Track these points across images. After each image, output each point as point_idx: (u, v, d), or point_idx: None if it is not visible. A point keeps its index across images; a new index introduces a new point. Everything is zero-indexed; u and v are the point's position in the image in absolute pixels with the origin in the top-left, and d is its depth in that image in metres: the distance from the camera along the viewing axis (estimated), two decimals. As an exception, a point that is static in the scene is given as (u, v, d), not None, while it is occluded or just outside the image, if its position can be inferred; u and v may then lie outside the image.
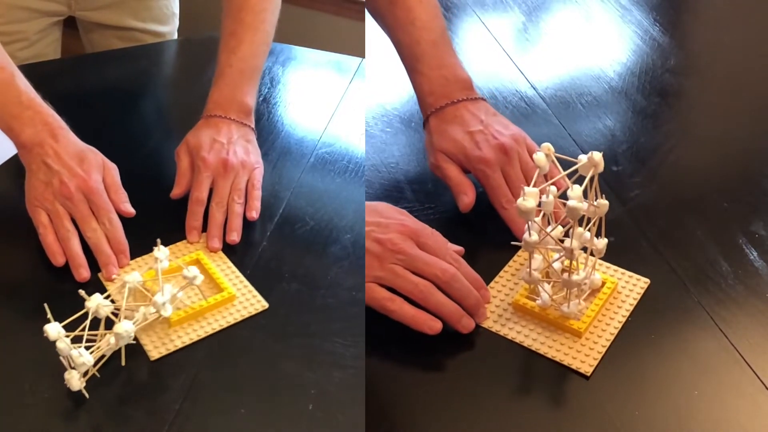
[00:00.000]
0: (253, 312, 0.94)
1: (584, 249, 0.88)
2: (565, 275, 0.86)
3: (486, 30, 1.48)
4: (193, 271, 0.90)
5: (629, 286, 0.93)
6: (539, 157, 0.85)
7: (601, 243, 0.88)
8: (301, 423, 0.82)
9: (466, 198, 1.02)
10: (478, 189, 1.03)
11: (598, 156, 0.82)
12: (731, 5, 1.59)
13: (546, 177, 0.87)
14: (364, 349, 0.89)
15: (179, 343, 0.90)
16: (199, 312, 0.93)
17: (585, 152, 1.12)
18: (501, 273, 0.96)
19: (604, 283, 0.92)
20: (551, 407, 0.82)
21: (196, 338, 0.91)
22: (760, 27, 1.50)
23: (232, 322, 0.93)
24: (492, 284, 0.94)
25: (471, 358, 0.87)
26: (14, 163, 1.14)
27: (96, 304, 0.85)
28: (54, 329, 0.81)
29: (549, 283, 0.90)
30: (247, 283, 0.98)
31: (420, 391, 0.84)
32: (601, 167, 0.83)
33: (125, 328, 0.84)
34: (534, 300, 0.90)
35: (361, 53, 1.47)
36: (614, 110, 1.25)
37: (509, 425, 0.80)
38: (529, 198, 0.81)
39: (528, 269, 0.88)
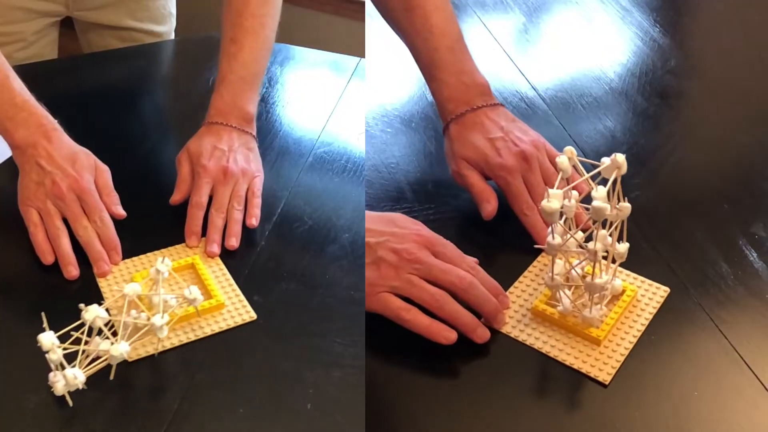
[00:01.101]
0: (240, 322, 0.93)
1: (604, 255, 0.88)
2: (588, 278, 0.85)
3: (486, 31, 1.47)
4: (194, 292, 0.88)
5: (649, 294, 0.92)
6: (562, 160, 0.85)
7: (623, 247, 0.87)
8: (300, 423, 0.82)
9: (489, 206, 1.01)
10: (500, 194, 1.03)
11: (621, 158, 0.82)
12: (731, 7, 1.59)
13: (567, 181, 0.87)
14: (363, 348, 0.88)
15: (159, 347, 0.89)
16: (185, 318, 0.92)
17: (585, 153, 1.14)
18: (521, 278, 0.95)
19: (624, 291, 0.91)
20: (550, 408, 0.81)
21: (177, 343, 0.90)
22: (760, 28, 1.50)
23: (218, 330, 0.92)
24: (511, 289, 0.94)
25: (471, 358, 0.87)
26: (10, 164, 1.14)
27: (93, 316, 0.82)
28: (48, 339, 0.79)
29: (570, 288, 0.89)
30: (239, 291, 0.97)
31: (420, 391, 0.83)
32: (624, 169, 0.82)
33: (121, 350, 0.82)
34: (554, 306, 0.90)
35: (359, 53, 1.47)
36: (614, 111, 1.25)
37: (508, 425, 0.80)
38: (553, 200, 0.81)
39: (550, 273, 0.88)
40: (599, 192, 0.81)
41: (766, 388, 0.82)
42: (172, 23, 1.64)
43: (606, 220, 0.84)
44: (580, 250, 0.85)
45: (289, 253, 1.04)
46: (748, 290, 0.93)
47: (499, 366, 0.86)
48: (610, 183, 0.82)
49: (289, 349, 0.90)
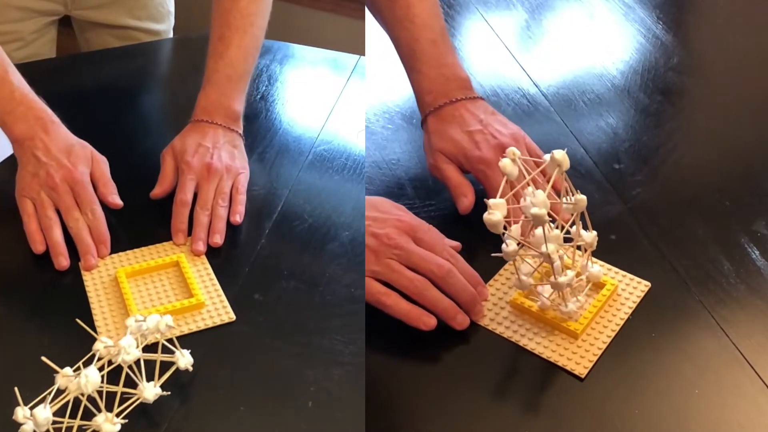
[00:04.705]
0: (219, 322, 0.92)
1: (579, 247, 0.88)
2: (552, 278, 0.85)
3: (489, 28, 1.47)
4: (186, 359, 0.85)
5: (629, 289, 0.92)
6: (505, 163, 0.83)
7: (590, 236, 0.87)
8: (300, 420, 0.82)
9: (466, 200, 1.01)
10: (477, 187, 1.02)
11: (559, 154, 0.81)
12: (734, 4, 1.58)
13: (516, 182, 0.86)
14: (363, 345, 0.88)
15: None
16: (162, 314, 0.91)
17: (587, 150, 1.14)
18: (500, 271, 0.95)
19: (604, 285, 0.91)
20: (550, 405, 0.81)
21: (153, 340, 0.87)
22: (763, 26, 1.49)
23: (194, 329, 0.92)
24: (491, 282, 0.94)
25: (472, 356, 0.86)
26: (11, 162, 1.14)
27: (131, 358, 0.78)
28: (43, 416, 0.74)
29: (543, 285, 0.89)
30: (221, 292, 0.96)
31: (419, 388, 0.83)
32: (565, 165, 0.82)
33: (154, 392, 0.80)
34: (532, 300, 0.90)
35: (358, 51, 1.47)
36: (617, 108, 1.24)
37: (509, 422, 0.80)
38: (494, 211, 0.80)
39: (517, 276, 0.88)
40: (537, 197, 0.79)
41: (767, 387, 0.81)
42: (171, 21, 1.64)
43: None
44: (536, 253, 0.84)
45: (289, 251, 1.04)
46: (750, 288, 0.92)
47: (493, 364, 0.86)
48: (551, 182, 0.82)
49: (289, 347, 0.90)
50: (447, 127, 1.05)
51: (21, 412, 0.74)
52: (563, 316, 0.88)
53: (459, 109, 1.06)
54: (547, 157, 0.82)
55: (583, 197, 0.84)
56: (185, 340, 0.89)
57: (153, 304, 0.95)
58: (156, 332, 0.82)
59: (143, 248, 1.02)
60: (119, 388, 0.79)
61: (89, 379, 0.75)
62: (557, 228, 0.85)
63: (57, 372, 0.77)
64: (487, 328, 0.89)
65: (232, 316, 0.93)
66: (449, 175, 1.03)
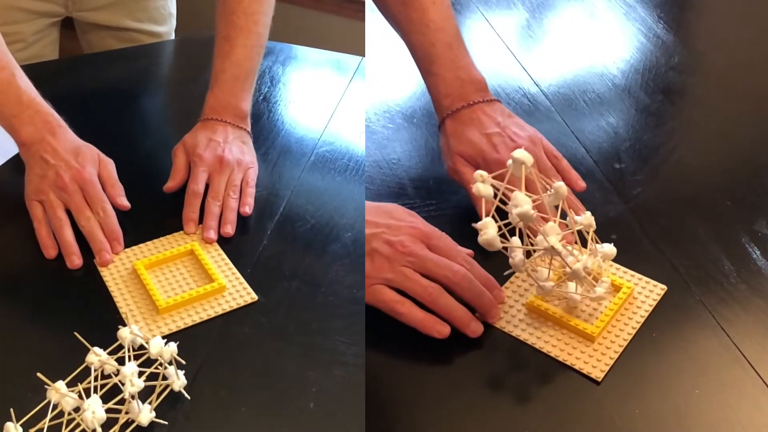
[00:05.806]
0: (242, 303, 0.95)
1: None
2: (567, 270, 0.85)
3: (490, 27, 1.47)
4: (181, 380, 0.83)
5: (645, 292, 0.92)
6: (479, 187, 0.84)
7: (586, 219, 0.87)
8: (301, 421, 0.82)
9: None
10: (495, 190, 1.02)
11: (519, 153, 0.83)
12: (735, 3, 1.58)
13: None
14: (364, 346, 0.88)
15: (166, 330, 0.91)
16: (188, 300, 0.94)
17: (588, 149, 1.14)
18: (517, 274, 0.94)
19: (620, 287, 0.91)
20: (551, 405, 0.81)
21: (183, 326, 0.92)
22: (764, 25, 1.49)
23: (221, 312, 0.94)
24: (507, 284, 0.94)
25: (474, 355, 0.87)
26: (14, 162, 1.14)
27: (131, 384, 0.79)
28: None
29: (564, 282, 0.89)
30: (239, 275, 0.99)
31: (421, 389, 0.83)
32: (529, 162, 0.83)
33: (150, 417, 0.80)
34: (548, 302, 0.89)
35: (360, 52, 1.47)
36: (617, 108, 1.24)
37: (509, 423, 0.80)
38: (486, 230, 0.81)
39: (536, 285, 0.88)
40: (517, 197, 0.81)
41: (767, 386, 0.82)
42: (172, 23, 1.64)
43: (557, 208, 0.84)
44: (543, 252, 0.84)
45: (291, 252, 1.04)
46: (751, 288, 0.92)
47: (498, 364, 0.86)
48: (523, 180, 0.83)
49: (291, 347, 0.90)
50: (465, 129, 1.05)
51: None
52: (592, 304, 0.88)
53: (476, 111, 1.06)
54: (509, 162, 0.84)
55: (562, 184, 0.84)
56: (190, 335, 0.91)
57: (175, 291, 0.96)
58: (159, 357, 0.82)
59: (155, 240, 1.04)
60: (122, 416, 0.79)
61: (96, 415, 0.77)
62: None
63: (49, 386, 0.77)
64: (503, 330, 0.89)
65: (254, 297, 0.96)
66: (469, 178, 1.02)
